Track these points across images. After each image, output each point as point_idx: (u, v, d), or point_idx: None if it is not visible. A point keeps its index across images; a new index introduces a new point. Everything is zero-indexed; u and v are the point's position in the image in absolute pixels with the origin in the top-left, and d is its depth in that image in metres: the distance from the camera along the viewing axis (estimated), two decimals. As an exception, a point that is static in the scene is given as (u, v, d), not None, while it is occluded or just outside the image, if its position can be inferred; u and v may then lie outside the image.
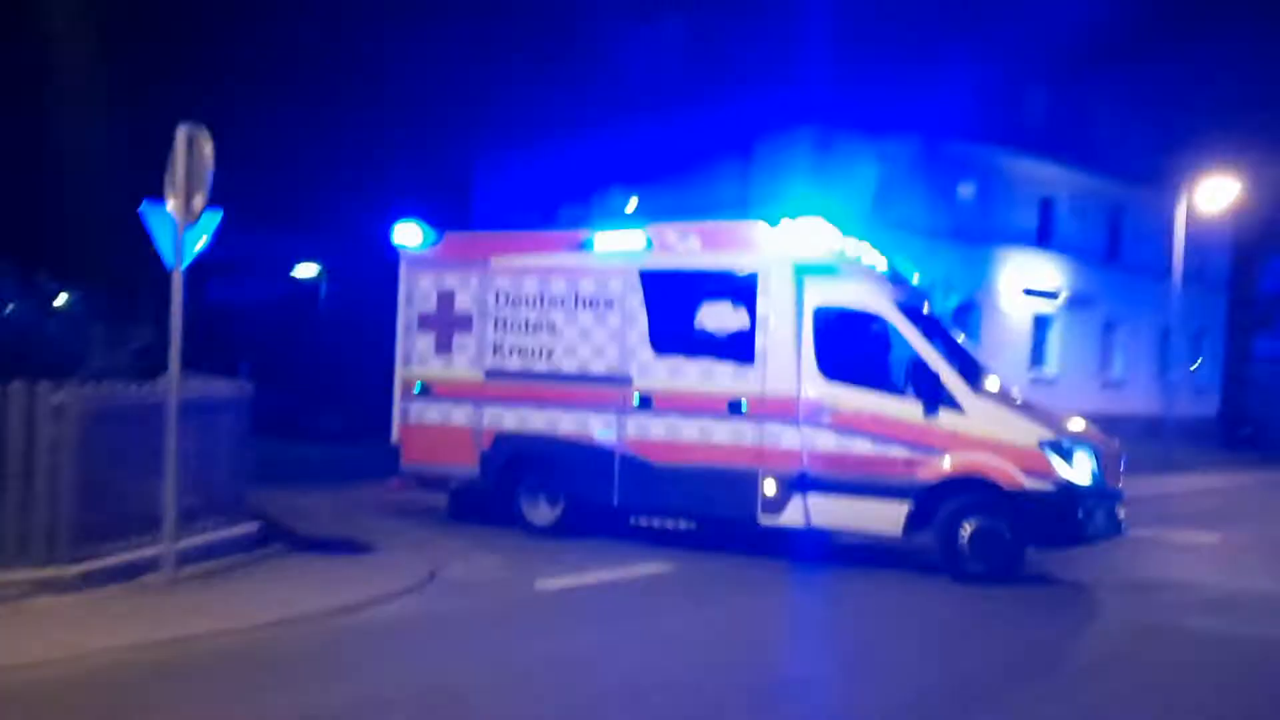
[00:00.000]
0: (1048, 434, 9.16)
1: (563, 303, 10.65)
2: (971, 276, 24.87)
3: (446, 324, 11.13)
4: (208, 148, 7.65)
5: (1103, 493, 9.29)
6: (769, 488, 9.68)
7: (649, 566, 9.27)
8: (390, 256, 11.70)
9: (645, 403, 10.29)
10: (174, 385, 7.66)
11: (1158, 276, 25.94)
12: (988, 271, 25.46)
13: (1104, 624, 8.37)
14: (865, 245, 10.41)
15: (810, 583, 9.30)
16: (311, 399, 21.19)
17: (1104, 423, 29.60)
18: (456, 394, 11.05)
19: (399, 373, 11.30)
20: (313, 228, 25.33)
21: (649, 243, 10.37)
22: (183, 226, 7.65)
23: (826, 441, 9.59)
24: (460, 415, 11.00)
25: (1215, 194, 23.44)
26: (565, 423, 10.59)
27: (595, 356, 10.52)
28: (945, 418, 9.21)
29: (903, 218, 24.12)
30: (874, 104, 22.77)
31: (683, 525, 10.40)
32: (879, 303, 9.79)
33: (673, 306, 10.26)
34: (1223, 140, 26.33)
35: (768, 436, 9.77)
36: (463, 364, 11.02)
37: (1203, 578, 9.98)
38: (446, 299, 11.12)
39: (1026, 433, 9.15)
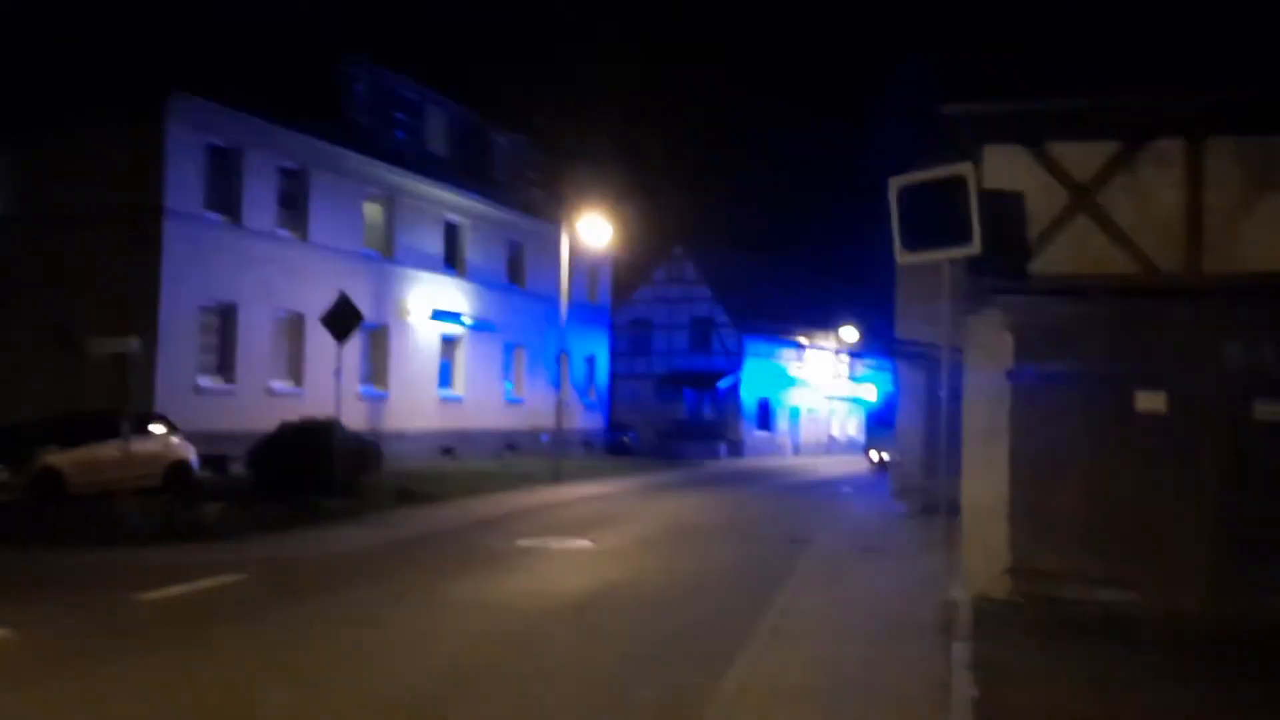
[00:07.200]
0: None
1: None
2: (381, 297, 24.83)
3: None
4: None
5: None
6: None
7: None
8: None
9: None
10: None
11: (553, 303, 28.30)
12: (397, 292, 25.62)
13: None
14: None
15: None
16: None
17: (506, 436, 31.26)
18: None
19: None
20: None
21: None
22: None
23: None
24: None
25: (594, 232, 26.12)
26: None
27: None
28: None
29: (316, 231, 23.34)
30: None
31: None
32: None
33: None
34: (600, 183, 29.64)
35: None
36: None
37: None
38: None
39: None
